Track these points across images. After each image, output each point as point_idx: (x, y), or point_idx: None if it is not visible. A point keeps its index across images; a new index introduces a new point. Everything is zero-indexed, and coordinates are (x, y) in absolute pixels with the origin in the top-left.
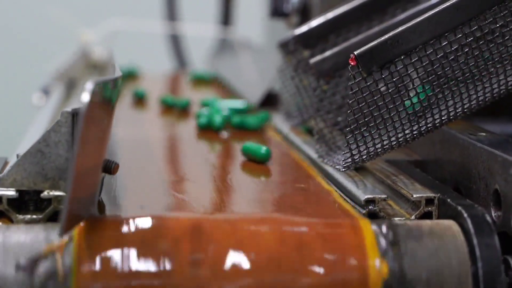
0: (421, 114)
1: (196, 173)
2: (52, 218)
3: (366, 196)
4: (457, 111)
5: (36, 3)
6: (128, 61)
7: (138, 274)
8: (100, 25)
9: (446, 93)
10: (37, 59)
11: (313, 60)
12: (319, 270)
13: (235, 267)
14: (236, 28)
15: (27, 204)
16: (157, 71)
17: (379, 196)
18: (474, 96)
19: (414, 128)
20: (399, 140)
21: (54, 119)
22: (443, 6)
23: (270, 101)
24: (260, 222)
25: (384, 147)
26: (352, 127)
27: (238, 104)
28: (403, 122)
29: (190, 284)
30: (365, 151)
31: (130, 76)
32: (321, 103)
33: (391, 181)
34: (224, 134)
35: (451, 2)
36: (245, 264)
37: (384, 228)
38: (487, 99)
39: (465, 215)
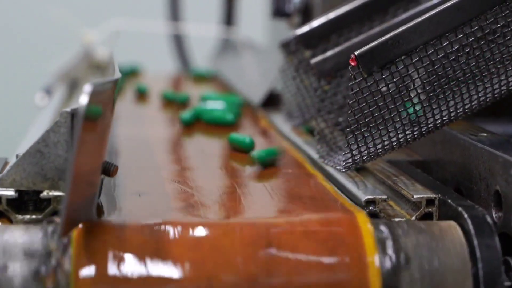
0: (422, 115)
1: (196, 173)
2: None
3: (366, 197)
4: (458, 111)
5: (38, 3)
6: (130, 61)
7: (137, 279)
8: (103, 25)
9: (447, 94)
10: (39, 59)
11: (314, 60)
12: (318, 268)
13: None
14: (239, 28)
15: (26, 204)
16: (159, 71)
17: (380, 196)
18: (475, 97)
19: (415, 128)
20: (400, 140)
21: (55, 120)
22: (444, 6)
23: (272, 101)
24: (260, 223)
25: (385, 147)
26: (352, 127)
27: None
28: (404, 123)
29: None
30: (366, 152)
31: (132, 73)
32: (322, 103)
33: (392, 182)
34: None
35: (452, 2)
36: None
37: (384, 228)
38: (488, 100)
39: (466, 216)
